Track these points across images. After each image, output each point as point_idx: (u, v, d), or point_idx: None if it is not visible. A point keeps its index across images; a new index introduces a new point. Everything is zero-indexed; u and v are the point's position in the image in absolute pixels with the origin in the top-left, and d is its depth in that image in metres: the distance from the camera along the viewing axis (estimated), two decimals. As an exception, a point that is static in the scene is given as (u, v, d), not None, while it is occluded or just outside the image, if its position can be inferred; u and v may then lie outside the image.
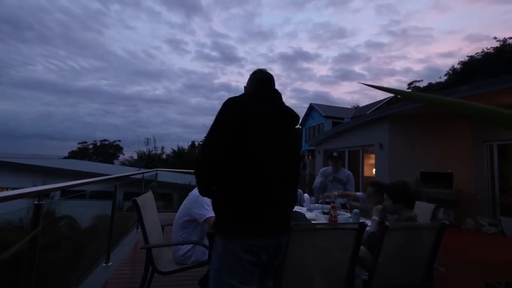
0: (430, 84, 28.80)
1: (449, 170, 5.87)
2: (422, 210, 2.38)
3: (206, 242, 2.32)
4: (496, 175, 5.70)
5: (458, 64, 24.94)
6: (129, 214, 5.16)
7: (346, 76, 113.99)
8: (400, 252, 1.76)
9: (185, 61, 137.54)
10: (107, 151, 39.44)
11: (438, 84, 26.94)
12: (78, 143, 39.24)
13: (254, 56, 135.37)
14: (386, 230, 1.64)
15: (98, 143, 39.76)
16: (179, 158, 20.73)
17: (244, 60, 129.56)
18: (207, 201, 2.23)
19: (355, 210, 2.66)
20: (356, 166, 8.23)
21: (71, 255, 3.95)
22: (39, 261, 1.53)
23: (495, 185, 5.68)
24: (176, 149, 22.72)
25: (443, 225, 1.73)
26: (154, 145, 23.97)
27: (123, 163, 26.88)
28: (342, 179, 3.79)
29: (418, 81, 31.17)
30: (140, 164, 19.77)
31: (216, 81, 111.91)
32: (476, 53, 23.68)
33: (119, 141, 40.60)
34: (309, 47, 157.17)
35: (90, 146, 39.29)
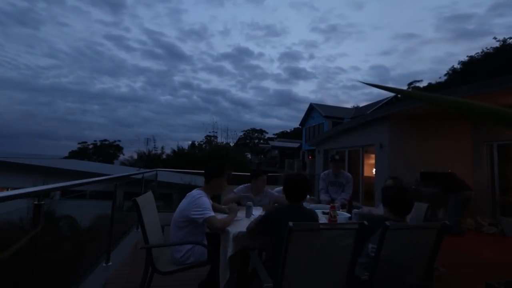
0: (430, 84, 28.84)
1: (449, 170, 5.87)
2: (416, 209, 2.37)
3: (205, 242, 2.32)
4: (496, 175, 5.69)
5: (458, 64, 24.96)
6: (129, 214, 5.17)
7: (298, 74, 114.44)
8: (400, 252, 1.76)
9: (136, 59, 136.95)
10: (107, 151, 39.48)
11: (438, 84, 26.96)
12: (78, 143, 39.35)
13: (198, 54, 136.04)
14: (386, 230, 1.63)
15: (98, 143, 39.81)
16: (179, 158, 20.74)
17: (192, 58, 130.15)
18: (206, 201, 2.20)
19: (355, 210, 2.66)
20: (356, 166, 8.22)
21: (71, 255, 3.95)
22: (39, 261, 1.53)
23: (495, 185, 5.67)
24: (176, 149, 22.77)
25: (444, 225, 1.72)
26: (154, 145, 23.97)
27: (123, 163, 26.87)
28: (342, 182, 3.81)
29: (418, 81, 31.25)
30: (140, 164, 19.77)
31: (176, 78, 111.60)
32: (476, 53, 23.70)
33: (119, 141, 40.67)
34: (247, 45, 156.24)
35: (90, 146, 39.35)
